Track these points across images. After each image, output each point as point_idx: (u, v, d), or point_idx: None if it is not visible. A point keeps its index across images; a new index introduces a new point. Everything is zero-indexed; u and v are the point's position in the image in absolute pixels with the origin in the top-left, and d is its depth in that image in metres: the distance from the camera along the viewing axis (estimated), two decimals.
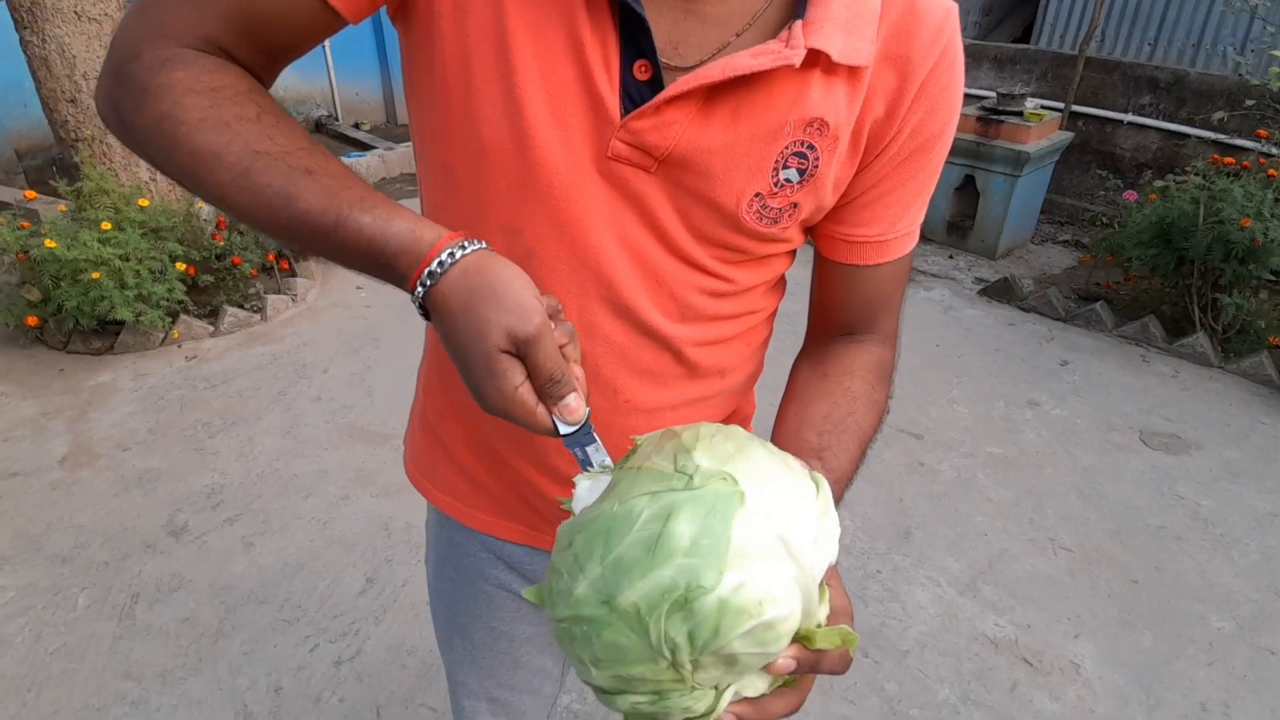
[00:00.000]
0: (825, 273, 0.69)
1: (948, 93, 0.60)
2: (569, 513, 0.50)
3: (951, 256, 4.14)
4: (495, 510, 0.79)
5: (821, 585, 0.46)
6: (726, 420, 0.78)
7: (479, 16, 0.53)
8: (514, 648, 0.89)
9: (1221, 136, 3.80)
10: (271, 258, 3.42)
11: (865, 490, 2.42)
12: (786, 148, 0.56)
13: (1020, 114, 3.78)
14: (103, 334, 3.01)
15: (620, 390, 0.67)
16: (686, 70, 0.53)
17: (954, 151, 3.91)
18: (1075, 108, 4.25)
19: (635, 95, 0.54)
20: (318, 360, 3.04)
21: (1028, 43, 4.98)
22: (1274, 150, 3.33)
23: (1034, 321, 3.48)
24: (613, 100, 0.54)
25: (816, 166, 0.58)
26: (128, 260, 2.79)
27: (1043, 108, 3.98)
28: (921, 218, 0.67)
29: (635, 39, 0.52)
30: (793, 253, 0.69)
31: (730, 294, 0.65)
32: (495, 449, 0.74)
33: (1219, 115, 3.60)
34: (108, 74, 0.54)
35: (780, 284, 0.73)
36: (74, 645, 1.86)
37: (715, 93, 0.53)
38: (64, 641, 1.87)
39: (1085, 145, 4.38)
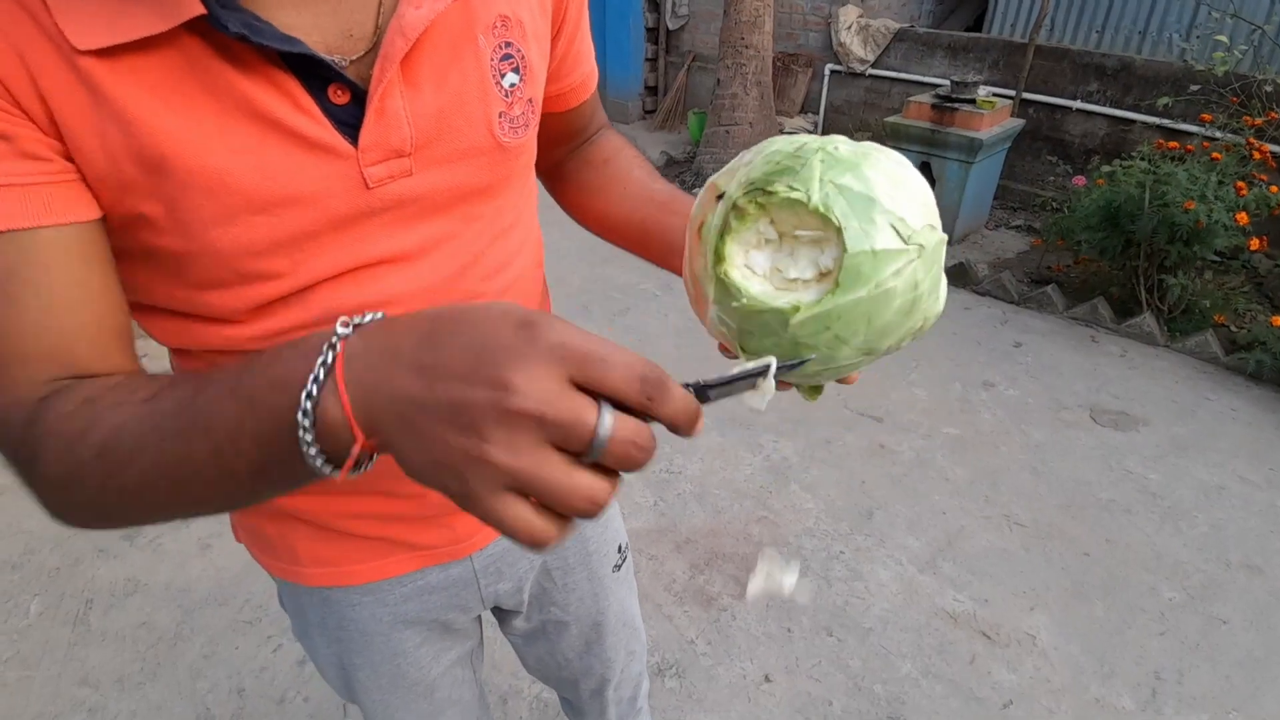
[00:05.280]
0: (556, 125, 0.76)
1: None
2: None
3: None
4: (376, 552, 0.75)
5: None
6: None
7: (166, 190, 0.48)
8: (425, 676, 0.87)
9: (1166, 121, 3.90)
10: None
11: (828, 473, 2.46)
12: (493, 58, 0.56)
13: (973, 101, 3.84)
14: None
15: None
16: (369, 54, 0.51)
17: (909, 139, 3.99)
18: (1026, 95, 4.33)
19: (348, 118, 0.50)
20: None
21: (980, 31, 5.06)
22: (1217, 134, 3.43)
23: (989, 305, 3.55)
24: (336, 139, 0.50)
25: (524, 57, 0.59)
26: None
27: (994, 95, 4.05)
28: None
29: (311, 71, 0.48)
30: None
31: (514, 224, 0.67)
32: (376, 487, 0.71)
33: (1164, 100, 3.69)
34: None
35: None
36: (28, 653, 1.82)
37: (408, 58, 0.51)
38: (17, 649, 1.82)
39: (1036, 132, 4.46)
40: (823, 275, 0.49)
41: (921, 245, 0.48)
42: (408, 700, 0.88)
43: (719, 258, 0.50)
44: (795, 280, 0.50)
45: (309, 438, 0.37)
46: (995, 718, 1.72)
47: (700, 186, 4.86)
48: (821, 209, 0.47)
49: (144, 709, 1.70)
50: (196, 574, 2.04)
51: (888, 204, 0.48)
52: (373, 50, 0.51)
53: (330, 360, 0.37)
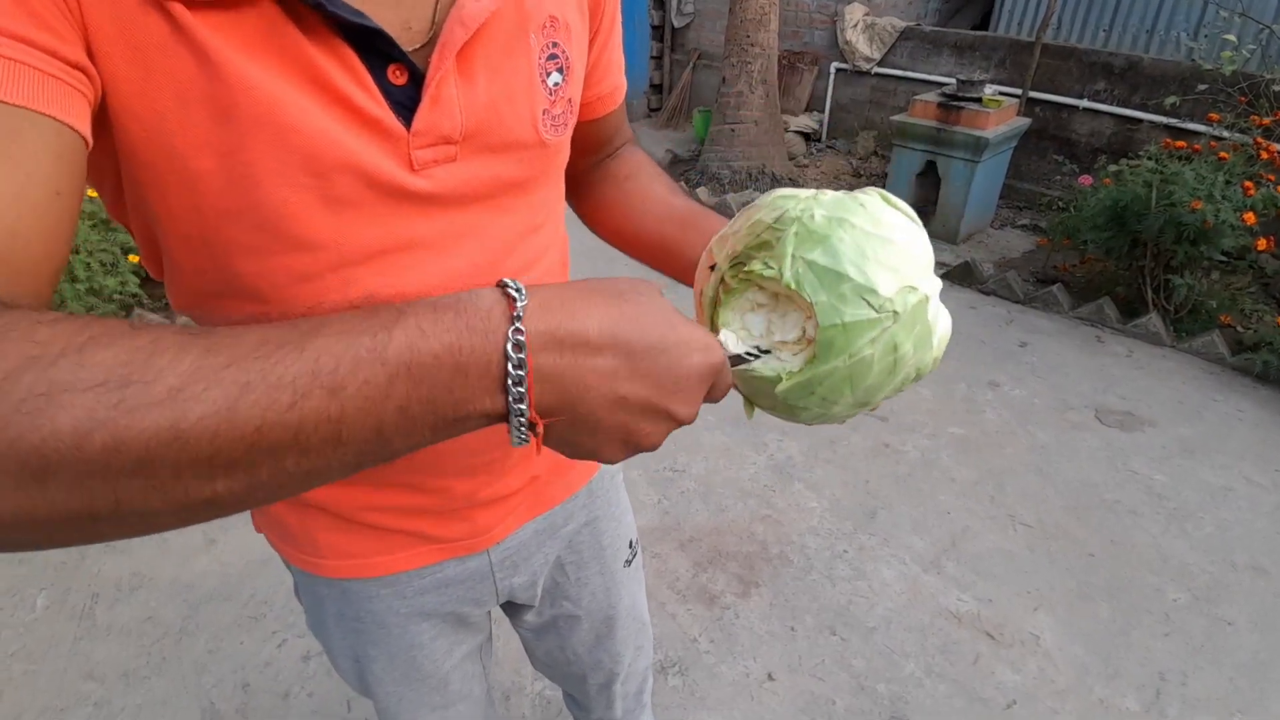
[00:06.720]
0: (582, 134, 0.76)
1: None
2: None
3: None
4: (396, 545, 0.75)
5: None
6: None
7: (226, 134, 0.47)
8: (439, 669, 0.88)
9: (1174, 121, 3.89)
10: None
11: (832, 473, 2.45)
12: (540, 56, 0.58)
13: (979, 100, 3.83)
14: None
15: None
16: (424, 46, 0.52)
17: (915, 137, 3.99)
18: (1032, 94, 4.32)
19: (404, 99, 0.51)
20: None
21: (986, 29, 5.04)
22: (1225, 134, 3.42)
23: (994, 304, 3.54)
24: (390, 118, 0.51)
25: (568, 59, 0.61)
26: (77, 253, 2.72)
27: (1000, 94, 4.04)
28: None
29: (375, 48, 0.49)
30: None
31: (545, 223, 0.68)
32: (396, 479, 0.71)
33: (1171, 100, 3.68)
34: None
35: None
36: (34, 647, 1.82)
37: (465, 49, 0.53)
38: (23, 643, 1.83)
39: (1042, 131, 4.45)
40: (810, 340, 0.53)
41: (896, 312, 0.50)
42: (421, 693, 0.89)
43: (714, 328, 0.56)
44: (785, 342, 0.54)
45: (523, 420, 0.41)
46: (999, 718, 1.72)
47: (705, 186, 4.86)
48: (794, 286, 0.51)
49: (149, 703, 1.71)
50: (202, 569, 2.05)
51: (856, 276, 0.49)
52: (429, 44, 0.52)
53: (521, 340, 0.40)
